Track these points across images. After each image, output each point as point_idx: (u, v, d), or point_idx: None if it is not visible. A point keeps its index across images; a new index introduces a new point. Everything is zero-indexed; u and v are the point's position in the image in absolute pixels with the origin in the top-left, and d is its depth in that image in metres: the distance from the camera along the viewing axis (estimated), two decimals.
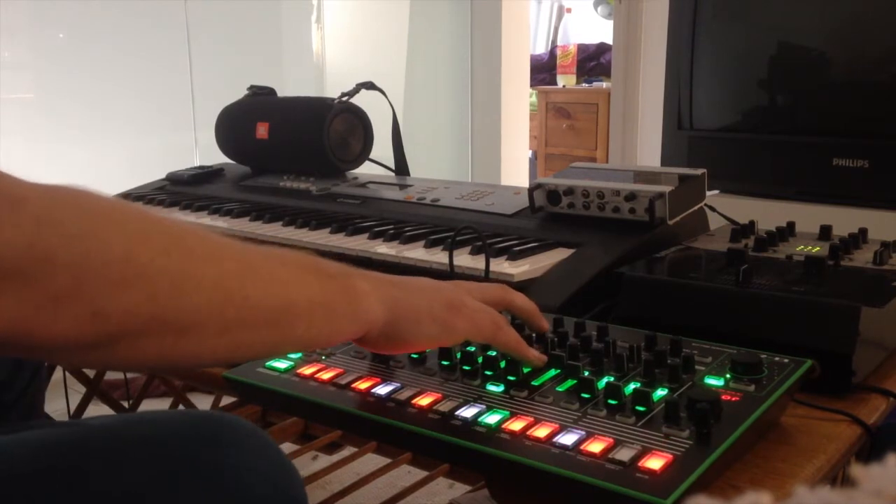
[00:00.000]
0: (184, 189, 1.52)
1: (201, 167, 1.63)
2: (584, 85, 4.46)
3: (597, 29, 5.06)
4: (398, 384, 0.67)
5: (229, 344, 0.50)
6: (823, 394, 0.69)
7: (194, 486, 0.54)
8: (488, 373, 0.68)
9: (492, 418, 0.60)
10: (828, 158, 1.52)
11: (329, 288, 0.56)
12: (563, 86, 4.49)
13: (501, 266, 0.94)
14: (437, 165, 3.46)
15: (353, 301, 0.57)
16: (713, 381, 0.65)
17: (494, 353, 0.69)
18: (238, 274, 0.50)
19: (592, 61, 4.63)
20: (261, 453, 0.59)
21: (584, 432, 0.58)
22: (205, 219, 1.31)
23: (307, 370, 0.71)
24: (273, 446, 0.60)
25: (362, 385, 0.68)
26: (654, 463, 0.53)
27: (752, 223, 1.04)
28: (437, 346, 0.68)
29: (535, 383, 0.66)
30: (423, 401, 0.64)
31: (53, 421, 0.94)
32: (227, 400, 1.70)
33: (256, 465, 0.57)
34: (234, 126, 1.58)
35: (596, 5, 5.08)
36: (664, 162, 1.77)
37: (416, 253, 1.03)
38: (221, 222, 1.28)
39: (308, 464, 1.75)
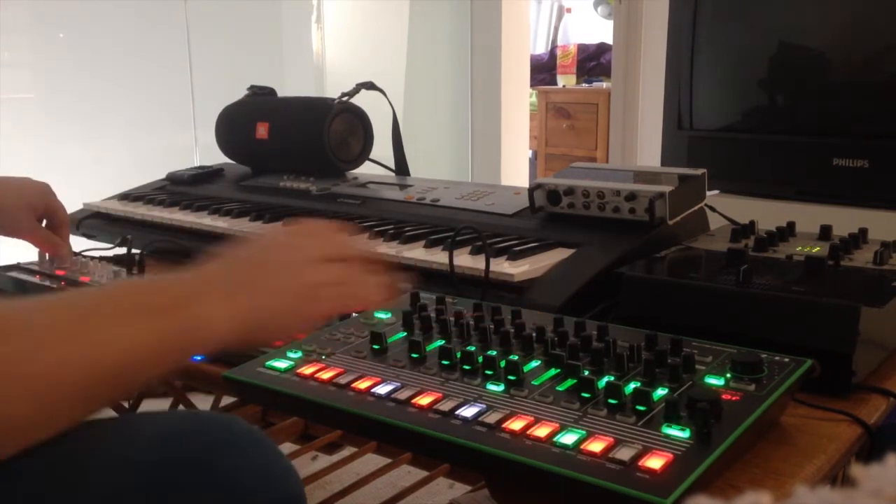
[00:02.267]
0: (184, 189, 1.52)
1: (201, 167, 1.63)
2: (584, 85, 4.46)
3: (597, 29, 5.06)
4: (398, 384, 0.67)
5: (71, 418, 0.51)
6: (823, 394, 0.69)
7: (189, 490, 0.54)
8: (488, 372, 0.68)
9: (492, 417, 0.60)
10: (828, 158, 1.52)
11: (162, 329, 0.56)
12: (563, 86, 4.49)
13: (501, 266, 0.94)
14: (437, 165, 3.46)
15: (192, 336, 0.57)
16: (713, 381, 0.65)
17: (494, 353, 0.69)
18: (62, 362, 0.51)
19: (592, 61, 4.63)
20: (259, 454, 0.58)
21: (584, 432, 0.58)
22: (205, 219, 1.31)
23: (307, 370, 0.71)
24: (272, 447, 0.60)
25: (362, 385, 0.68)
26: (655, 462, 0.53)
27: (752, 223, 1.04)
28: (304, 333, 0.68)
29: (535, 382, 0.66)
30: (423, 400, 0.64)
31: None
32: (227, 400, 1.70)
33: (254, 466, 0.57)
34: (234, 126, 1.58)
35: (596, 5, 5.08)
36: (664, 162, 1.77)
37: (416, 253, 1.03)
38: (221, 222, 1.28)
39: (308, 464, 1.75)
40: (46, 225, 1.10)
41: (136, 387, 0.56)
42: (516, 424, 0.59)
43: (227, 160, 1.63)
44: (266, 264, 0.65)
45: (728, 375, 0.65)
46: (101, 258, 1.25)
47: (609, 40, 3.60)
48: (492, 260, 0.94)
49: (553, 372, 0.68)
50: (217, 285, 0.60)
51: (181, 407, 1.68)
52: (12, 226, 1.07)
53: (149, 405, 1.70)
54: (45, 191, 1.11)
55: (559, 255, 0.98)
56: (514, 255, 0.97)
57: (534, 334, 0.74)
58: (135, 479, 0.53)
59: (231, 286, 0.61)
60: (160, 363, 0.56)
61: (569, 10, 5.49)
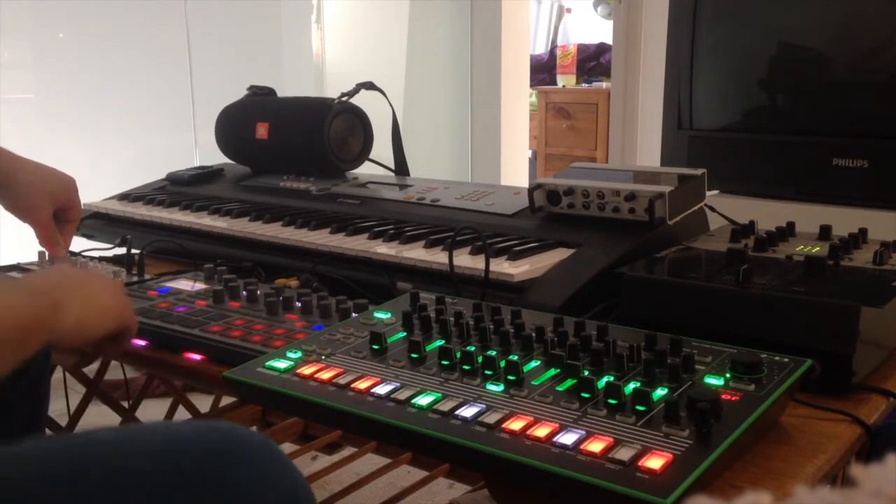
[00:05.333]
0: (184, 189, 1.52)
1: (201, 167, 1.63)
2: (584, 85, 4.46)
3: (597, 29, 5.06)
4: (398, 384, 0.67)
5: None
6: (823, 394, 0.69)
7: (197, 501, 0.54)
8: (488, 372, 0.68)
9: (491, 417, 0.60)
10: (828, 158, 1.52)
11: (38, 305, 0.65)
12: (563, 86, 4.49)
13: (501, 266, 0.94)
14: (437, 165, 3.45)
15: (54, 316, 0.67)
16: (713, 381, 0.65)
17: (494, 353, 0.69)
18: None
19: (592, 61, 4.63)
20: (271, 468, 0.58)
21: (583, 432, 0.58)
22: (205, 219, 1.31)
23: (307, 370, 0.71)
24: (284, 460, 0.59)
25: (362, 385, 0.68)
26: (654, 462, 0.53)
27: (752, 223, 1.04)
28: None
29: (535, 382, 0.66)
30: (423, 400, 0.64)
31: (49, 436, 0.98)
32: (227, 400, 1.70)
33: (267, 480, 0.57)
34: (234, 126, 1.58)
35: (596, 5, 5.08)
36: (664, 162, 1.77)
37: (416, 253, 1.03)
38: (221, 222, 1.28)
39: (308, 464, 1.75)
40: (57, 219, 1.10)
41: (7, 363, 0.61)
42: (516, 424, 0.59)
43: (227, 160, 1.63)
44: (87, 280, 0.76)
45: (728, 375, 0.65)
46: (101, 258, 1.25)
47: (609, 40, 3.59)
48: (492, 260, 0.94)
49: (553, 372, 0.68)
50: (64, 283, 0.72)
51: (180, 407, 1.68)
52: (27, 209, 1.07)
53: (148, 404, 1.70)
54: (70, 185, 1.11)
55: (559, 255, 0.98)
56: (514, 256, 0.97)
57: (533, 334, 0.74)
58: (141, 492, 0.52)
59: (68, 288, 0.72)
60: (32, 338, 0.63)
61: (569, 10, 5.49)
